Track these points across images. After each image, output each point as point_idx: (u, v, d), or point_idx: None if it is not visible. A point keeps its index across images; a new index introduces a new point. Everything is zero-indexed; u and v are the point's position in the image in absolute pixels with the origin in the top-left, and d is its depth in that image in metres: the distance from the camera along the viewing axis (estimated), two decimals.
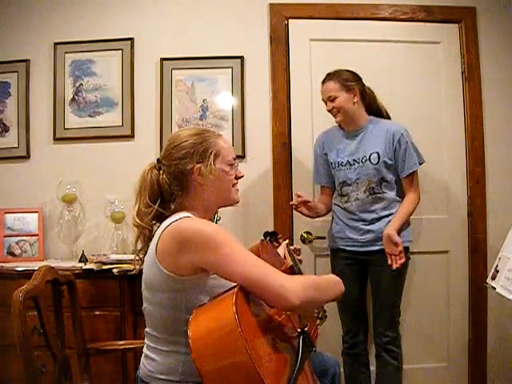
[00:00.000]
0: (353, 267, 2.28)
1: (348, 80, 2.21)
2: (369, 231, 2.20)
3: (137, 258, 1.44)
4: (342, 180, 2.27)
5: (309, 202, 2.26)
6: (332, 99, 2.20)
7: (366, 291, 2.35)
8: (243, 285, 1.16)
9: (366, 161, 2.21)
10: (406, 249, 2.23)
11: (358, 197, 2.23)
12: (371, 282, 2.29)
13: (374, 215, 2.21)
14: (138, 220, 1.38)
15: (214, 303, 1.16)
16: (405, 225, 2.21)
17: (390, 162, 2.20)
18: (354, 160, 2.24)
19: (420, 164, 2.26)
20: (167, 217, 1.36)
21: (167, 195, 1.39)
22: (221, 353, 1.02)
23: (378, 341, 2.24)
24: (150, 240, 1.36)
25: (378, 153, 2.20)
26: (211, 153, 1.39)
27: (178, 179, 1.38)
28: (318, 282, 1.30)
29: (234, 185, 1.46)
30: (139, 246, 1.43)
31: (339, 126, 2.34)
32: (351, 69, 2.29)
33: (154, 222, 1.39)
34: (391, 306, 2.24)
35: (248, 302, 1.15)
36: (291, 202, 2.35)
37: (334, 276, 1.40)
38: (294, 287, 1.15)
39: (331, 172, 2.35)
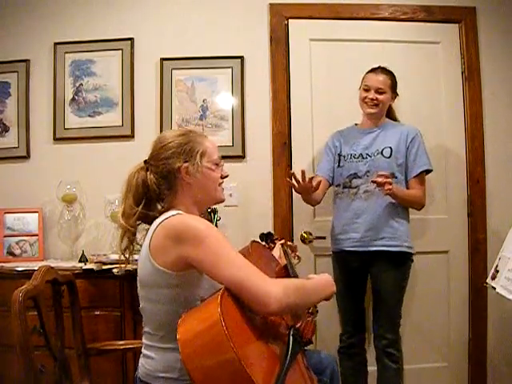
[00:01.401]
0: (354, 270, 2.26)
1: (396, 82, 2.29)
2: (371, 228, 2.19)
3: (122, 257, 1.45)
4: (352, 172, 2.26)
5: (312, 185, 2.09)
6: (381, 92, 2.23)
7: (365, 292, 2.35)
8: (227, 286, 1.17)
9: (378, 154, 2.23)
10: (408, 254, 2.23)
11: (368, 189, 2.22)
12: (373, 285, 2.28)
13: (378, 210, 2.19)
14: (122, 221, 1.40)
15: (201, 305, 1.17)
16: (401, 200, 2.17)
17: (400, 161, 2.22)
18: (366, 154, 2.25)
19: (428, 172, 2.27)
20: (154, 217, 1.38)
21: (155, 195, 1.41)
22: (208, 353, 1.03)
23: (378, 344, 2.23)
24: (134, 239, 1.40)
25: (390, 148, 2.23)
26: (197, 152, 1.42)
27: (166, 178, 1.41)
28: (303, 286, 1.30)
29: (220, 184, 1.49)
30: (124, 245, 1.44)
31: (357, 123, 2.37)
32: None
33: (138, 222, 1.42)
34: (393, 308, 2.23)
35: (236, 301, 1.16)
36: (291, 180, 2.07)
37: (325, 277, 1.40)
38: (274, 293, 1.15)
39: (332, 168, 2.34)
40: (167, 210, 1.39)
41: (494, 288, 1.93)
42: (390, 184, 2.05)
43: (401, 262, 2.22)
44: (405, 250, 2.21)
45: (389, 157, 2.22)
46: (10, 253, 2.48)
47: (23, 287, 1.37)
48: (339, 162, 2.32)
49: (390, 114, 2.37)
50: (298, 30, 2.67)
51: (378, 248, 2.19)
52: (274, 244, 1.93)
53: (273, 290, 1.15)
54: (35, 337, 1.40)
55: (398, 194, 2.14)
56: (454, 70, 2.70)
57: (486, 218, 2.66)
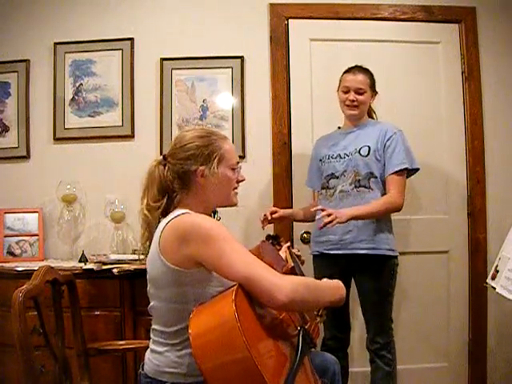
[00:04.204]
0: (336, 273, 2.15)
1: (374, 80, 2.22)
2: (349, 231, 2.10)
3: (141, 246, 1.47)
4: (329, 172, 2.21)
5: (275, 214, 2.19)
6: (361, 92, 2.16)
7: (349, 295, 2.19)
8: (236, 281, 1.18)
9: (355, 153, 2.17)
10: (393, 257, 2.14)
11: (343, 189, 2.15)
12: (358, 292, 2.18)
13: None
14: (147, 213, 1.42)
15: (214, 300, 1.17)
16: (370, 218, 2.08)
17: (379, 159, 2.14)
18: (344, 153, 2.19)
19: (412, 170, 2.17)
20: (168, 213, 1.40)
21: (169, 191, 1.43)
22: (221, 350, 1.03)
23: (370, 346, 2.17)
24: (154, 231, 1.40)
25: (368, 146, 2.16)
26: (215, 157, 1.43)
27: (181, 178, 1.42)
28: (312, 283, 1.30)
29: (234, 188, 1.50)
30: (145, 238, 1.44)
31: (340, 126, 2.33)
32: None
33: (161, 216, 1.42)
34: (381, 314, 2.15)
35: (248, 299, 1.16)
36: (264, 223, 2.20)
37: (335, 281, 1.39)
38: (283, 285, 1.15)
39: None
40: (174, 208, 1.41)
41: (494, 288, 1.93)
42: (335, 218, 1.91)
43: (383, 265, 2.12)
44: (384, 253, 2.10)
45: (366, 155, 2.14)
46: (10, 253, 2.48)
47: (23, 287, 1.37)
48: (320, 167, 2.28)
49: (369, 114, 2.29)
50: (298, 29, 2.67)
51: (357, 251, 2.10)
52: (280, 246, 1.93)
53: (281, 282, 1.16)
54: (35, 337, 1.40)
55: (359, 215, 2.01)
56: (454, 70, 2.70)
57: (486, 218, 2.65)
